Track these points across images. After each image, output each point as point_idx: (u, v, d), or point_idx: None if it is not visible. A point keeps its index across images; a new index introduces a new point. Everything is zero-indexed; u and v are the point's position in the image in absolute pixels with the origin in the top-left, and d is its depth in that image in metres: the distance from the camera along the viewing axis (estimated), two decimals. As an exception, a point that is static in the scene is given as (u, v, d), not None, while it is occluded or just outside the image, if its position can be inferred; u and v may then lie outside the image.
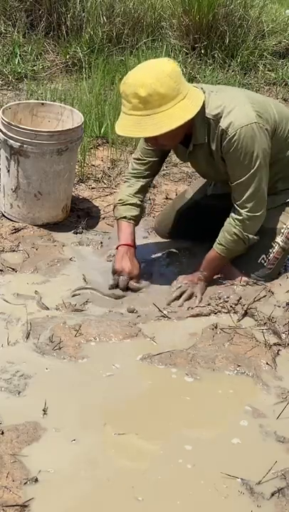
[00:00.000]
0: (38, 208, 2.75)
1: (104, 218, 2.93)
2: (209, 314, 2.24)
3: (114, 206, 2.55)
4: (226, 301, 2.29)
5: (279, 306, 2.31)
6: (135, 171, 2.51)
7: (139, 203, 2.50)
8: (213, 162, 2.32)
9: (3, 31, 4.76)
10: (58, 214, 2.81)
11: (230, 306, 2.27)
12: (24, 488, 1.48)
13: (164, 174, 3.39)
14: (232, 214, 2.31)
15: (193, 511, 1.48)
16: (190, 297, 2.33)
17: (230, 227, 2.31)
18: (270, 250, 2.45)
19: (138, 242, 2.72)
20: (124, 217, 2.47)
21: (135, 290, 2.36)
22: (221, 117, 2.18)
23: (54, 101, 3.77)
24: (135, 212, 2.48)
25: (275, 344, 2.10)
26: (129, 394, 1.84)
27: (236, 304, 2.28)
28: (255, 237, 2.34)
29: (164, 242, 2.75)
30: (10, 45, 4.67)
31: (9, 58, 4.61)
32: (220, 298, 2.31)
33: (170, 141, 2.23)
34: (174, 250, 2.69)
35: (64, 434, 1.65)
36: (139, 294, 2.35)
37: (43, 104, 2.97)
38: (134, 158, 2.53)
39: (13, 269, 2.43)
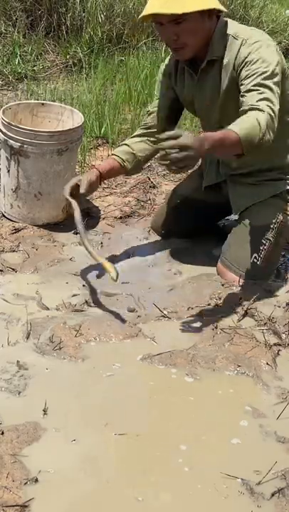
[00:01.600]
0: (38, 208, 2.75)
1: (104, 218, 2.93)
2: (209, 314, 2.24)
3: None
4: (226, 302, 2.29)
5: (279, 306, 2.31)
6: (144, 123, 2.58)
7: (132, 151, 2.53)
8: (222, 94, 2.27)
9: (4, 31, 4.76)
10: (58, 214, 2.81)
11: (231, 306, 2.27)
12: (24, 489, 1.48)
13: (164, 174, 3.39)
14: (249, 111, 2.05)
15: (193, 511, 1.48)
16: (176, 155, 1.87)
17: (251, 114, 2.03)
18: (261, 248, 2.43)
19: (138, 242, 2.74)
20: (114, 154, 2.55)
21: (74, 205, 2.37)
22: (238, 36, 2.21)
23: (54, 101, 3.77)
24: (125, 155, 2.52)
25: (275, 344, 2.10)
26: (130, 394, 1.84)
27: (236, 304, 2.28)
28: (270, 138, 2.03)
29: (164, 242, 2.75)
30: (10, 45, 4.67)
31: (9, 58, 4.61)
32: (220, 298, 2.31)
33: (191, 38, 2.16)
34: (175, 250, 2.69)
35: (64, 434, 1.65)
36: (139, 295, 2.34)
37: (43, 104, 2.97)
38: (146, 111, 2.58)
39: (13, 270, 2.43)
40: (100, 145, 3.64)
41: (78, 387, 1.84)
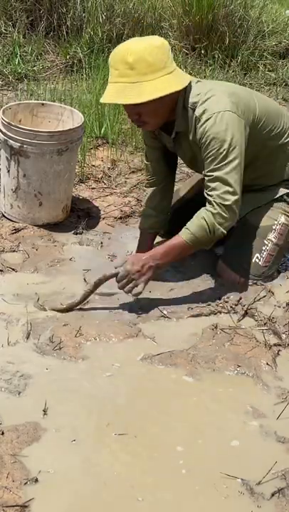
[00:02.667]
0: (38, 208, 2.75)
1: (104, 218, 2.93)
2: (209, 315, 2.24)
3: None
4: (226, 302, 2.29)
5: (279, 307, 2.31)
6: (148, 177, 2.58)
7: (152, 212, 2.55)
8: (195, 151, 2.29)
9: (4, 31, 4.76)
10: (58, 214, 2.81)
11: (231, 307, 2.27)
12: (24, 489, 1.48)
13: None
14: (206, 205, 2.21)
15: (193, 511, 1.48)
16: (129, 286, 2.19)
17: (201, 213, 2.19)
18: (264, 248, 2.45)
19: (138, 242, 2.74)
20: (144, 227, 2.58)
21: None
22: (197, 106, 2.18)
23: (54, 101, 3.77)
24: (150, 221, 2.55)
25: (275, 344, 2.10)
26: (130, 394, 1.84)
27: (236, 304, 2.29)
28: (223, 231, 2.17)
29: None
30: (10, 45, 4.67)
31: (9, 58, 4.61)
32: (220, 298, 2.31)
33: (152, 118, 2.18)
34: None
35: (64, 434, 1.65)
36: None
37: (43, 104, 2.97)
38: (145, 162, 2.59)
39: (14, 270, 2.43)
40: (100, 145, 3.64)
41: (78, 387, 1.84)
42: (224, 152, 2.13)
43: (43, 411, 1.71)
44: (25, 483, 1.49)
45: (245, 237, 2.47)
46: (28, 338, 2.02)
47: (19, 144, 2.62)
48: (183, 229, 2.21)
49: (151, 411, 1.79)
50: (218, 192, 2.16)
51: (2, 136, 2.67)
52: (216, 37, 4.95)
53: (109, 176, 3.31)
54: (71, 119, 2.87)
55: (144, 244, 2.53)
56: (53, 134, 2.65)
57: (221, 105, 2.15)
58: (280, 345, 2.11)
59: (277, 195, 2.50)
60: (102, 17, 4.80)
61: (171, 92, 2.09)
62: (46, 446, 1.61)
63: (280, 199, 2.50)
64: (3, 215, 2.82)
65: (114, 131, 3.68)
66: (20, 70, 4.50)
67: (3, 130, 2.66)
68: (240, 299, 2.31)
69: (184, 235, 2.18)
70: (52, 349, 1.98)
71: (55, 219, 2.80)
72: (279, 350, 2.08)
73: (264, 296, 2.35)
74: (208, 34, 4.93)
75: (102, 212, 2.98)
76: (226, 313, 2.25)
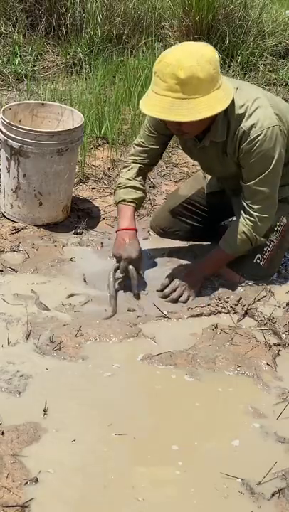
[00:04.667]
0: (38, 208, 2.75)
1: (104, 218, 2.93)
2: (209, 315, 2.24)
3: (114, 190, 2.53)
4: (226, 302, 2.29)
5: (279, 307, 2.31)
6: (136, 157, 2.47)
7: (139, 185, 2.45)
8: (224, 160, 2.29)
9: (4, 32, 4.76)
10: (58, 214, 2.81)
11: (231, 307, 2.27)
12: (24, 489, 1.48)
13: (164, 174, 3.39)
14: (242, 214, 2.29)
15: (193, 511, 1.48)
16: (180, 296, 2.33)
17: (241, 226, 2.29)
18: (265, 249, 2.44)
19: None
20: (124, 200, 2.44)
21: (133, 275, 2.32)
22: (243, 118, 2.15)
23: (54, 101, 3.77)
24: (135, 194, 2.44)
25: (275, 344, 2.10)
26: (130, 394, 1.84)
27: (236, 305, 2.28)
28: (262, 239, 2.34)
29: (164, 242, 2.75)
30: (10, 45, 4.67)
31: (9, 59, 4.61)
32: (220, 298, 2.31)
33: (193, 130, 2.17)
34: (175, 251, 2.69)
35: (64, 434, 1.65)
36: (139, 295, 2.35)
37: (43, 104, 2.97)
38: (135, 144, 2.48)
39: (14, 270, 2.43)
40: (100, 145, 3.64)
41: (78, 387, 1.84)
42: (269, 170, 2.18)
43: (43, 411, 1.71)
44: (26, 483, 1.49)
45: None
46: (28, 338, 2.02)
47: (19, 144, 2.61)
48: (224, 243, 2.34)
49: (151, 411, 1.79)
50: (262, 206, 2.25)
51: (2, 136, 2.67)
52: (216, 37, 4.95)
53: (109, 176, 3.31)
54: (71, 119, 2.87)
55: (130, 219, 2.41)
56: (53, 134, 2.65)
57: (268, 120, 2.15)
58: (280, 345, 2.11)
59: (281, 197, 2.47)
60: (101, 17, 4.80)
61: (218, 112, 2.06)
62: (46, 446, 1.61)
63: (283, 200, 2.49)
64: (3, 215, 2.82)
65: (114, 131, 3.68)
66: (20, 70, 4.51)
67: (3, 130, 2.66)
68: (240, 299, 2.31)
69: (228, 250, 2.34)
70: (52, 349, 1.98)
71: (55, 219, 2.80)
72: (279, 350, 2.08)
73: (264, 296, 2.35)
74: (208, 34, 4.93)
75: (102, 212, 2.98)
76: (226, 313, 2.25)
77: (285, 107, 2.32)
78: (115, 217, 2.93)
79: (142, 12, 5.02)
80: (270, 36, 5.26)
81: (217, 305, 2.28)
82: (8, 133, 2.64)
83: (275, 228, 2.46)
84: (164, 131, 2.38)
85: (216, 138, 2.22)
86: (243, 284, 2.41)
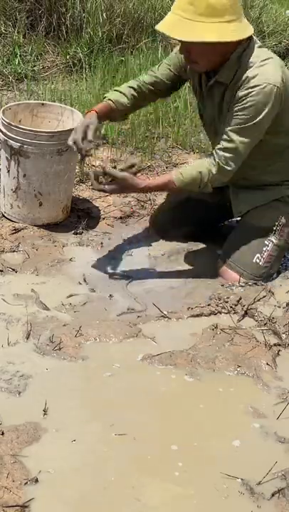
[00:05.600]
0: (38, 208, 2.75)
1: (104, 219, 2.93)
2: (209, 315, 2.24)
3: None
4: (226, 302, 2.29)
5: (279, 307, 2.31)
6: (142, 77, 2.53)
7: (129, 94, 2.48)
8: (222, 110, 2.31)
9: (4, 32, 4.75)
10: (58, 214, 2.81)
11: (231, 307, 2.27)
12: (24, 489, 1.48)
13: (164, 174, 3.38)
14: (209, 157, 2.30)
15: (193, 511, 1.48)
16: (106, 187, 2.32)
17: (200, 166, 2.29)
18: (264, 249, 2.45)
19: (138, 242, 2.74)
20: (105, 98, 2.50)
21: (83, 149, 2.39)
22: (252, 67, 2.17)
23: (54, 101, 3.77)
24: (120, 97, 2.48)
25: (275, 344, 2.10)
26: (130, 394, 1.84)
27: (236, 305, 2.28)
28: (210, 189, 2.31)
29: (164, 242, 2.75)
30: (10, 45, 4.67)
31: (9, 59, 4.61)
32: (220, 298, 2.31)
33: (203, 61, 2.20)
34: (175, 251, 2.69)
35: (64, 434, 1.65)
36: (139, 295, 2.34)
37: (43, 104, 2.97)
38: (150, 70, 2.53)
39: (13, 270, 2.43)
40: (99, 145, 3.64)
41: (78, 387, 1.85)
42: (252, 123, 2.17)
43: (43, 411, 1.71)
44: (26, 483, 1.49)
45: (245, 238, 2.47)
46: (28, 338, 2.03)
47: (19, 144, 2.61)
48: (177, 173, 2.31)
49: (151, 411, 1.79)
50: (228, 156, 2.24)
51: (2, 136, 2.67)
52: (216, 37, 4.94)
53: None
54: (71, 119, 2.87)
55: (99, 106, 2.48)
56: (53, 134, 2.65)
57: (273, 78, 2.16)
58: (280, 345, 2.11)
59: (278, 196, 2.49)
60: (101, 17, 4.80)
61: (219, 41, 2.08)
62: (46, 446, 1.61)
63: (281, 200, 2.50)
64: (3, 215, 2.82)
65: (114, 131, 3.68)
66: (20, 70, 4.50)
67: (4, 130, 2.65)
68: (240, 299, 2.31)
69: (176, 180, 2.29)
70: (52, 349, 1.98)
71: (55, 219, 2.80)
72: (279, 350, 2.08)
73: (264, 296, 2.35)
74: (208, 34, 4.92)
75: (102, 212, 2.98)
76: (226, 313, 2.25)
77: None
78: (115, 217, 2.93)
79: (142, 12, 5.01)
80: (270, 36, 5.25)
81: (217, 305, 2.28)
82: (8, 133, 2.63)
83: (274, 228, 2.46)
84: (178, 70, 2.45)
85: (221, 77, 2.24)
86: (242, 284, 2.41)
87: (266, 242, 2.44)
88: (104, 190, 2.33)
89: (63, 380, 1.87)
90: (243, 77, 2.18)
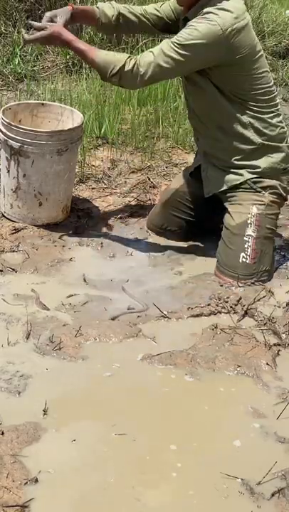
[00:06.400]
0: (38, 208, 2.74)
1: (104, 219, 2.93)
2: (209, 315, 2.24)
3: None
4: (226, 302, 2.29)
5: (279, 307, 2.31)
6: (144, 7, 2.61)
7: (119, 9, 2.56)
8: None
9: (3, 31, 4.76)
10: (58, 214, 2.80)
11: (231, 307, 2.27)
12: (24, 489, 1.48)
13: (164, 174, 3.39)
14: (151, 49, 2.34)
15: (193, 511, 1.48)
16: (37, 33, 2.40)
17: (124, 55, 2.35)
18: (246, 246, 2.43)
19: (138, 242, 2.74)
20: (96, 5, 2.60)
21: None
22: (215, 5, 2.28)
23: (54, 101, 3.77)
24: (107, 9, 2.56)
25: (275, 344, 2.10)
26: (130, 394, 1.84)
27: (236, 305, 2.28)
28: (116, 83, 2.38)
29: (164, 242, 2.75)
30: (10, 45, 4.67)
31: (9, 58, 4.61)
32: (220, 298, 2.31)
33: None
34: (174, 250, 2.69)
35: (64, 434, 1.65)
36: (139, 295, 2.34)
37: (43, 104, 2.97)
38: (153, 4, 2.63)
39: (13, 270, 2.43)
40: (99, 145, 3.64)
41: (78, 387, 1.84)
42: (183, 43, 2.24)
43: (43, 411, 1.71)
44: (26, 483, 1.49)
45: (228, 239, 2.47)
46: (28, 338, 2.02)
47: (19, 144, 2.61)
48: (104, 50, 2.43)
49: (151, 411, 1.79)
50: (146, 57, 2.29)
51: (2, 136, 2.67)
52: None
53: (109, 176, 3.31)
54: (71, 119, 2.87)
55: (80, 7, 2.61)
56: (53, 134, 2.65)
57: (221, 20, 2.24)
58: (280, 345, 2.11)
59: (241, 180, 2.47)
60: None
61: None
62: (46, 446, 1.61)
63: (247, 188, 2.47)
64: (3, 215, 2.82)
65: (114, 131, 3.68)
66: (20, 70, 4.50)
67: (3, 130, 2.65)
68: (240, 299, 2.31)
69: (97, 52, 2.37)
70: (52, 349, 1.98)
71: (55, 219, 2.80)
72: (279, 350, 2.08)
73: (264, 296, 2.35)
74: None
75: (102, 212, 2.98)
76: (226, 313, 2.25)
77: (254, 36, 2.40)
78: (115, 217, 2.93)
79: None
80: (270, 36, 5.26)
81: (217, 305, 2.28)
82: (8, 133, 2.63)
83: (248, 221, 2.43)
84: (167, 11, 2.58)
85: (189, 14, 2.36)
86: (242, 284, 2.41)
87: (245, 238, 2.42)
88: (34, 40, 2.42)
89: (63, 380, 1.87)
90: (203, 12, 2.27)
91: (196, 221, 2.74)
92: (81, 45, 2.41)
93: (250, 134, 2.44)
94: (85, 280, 2.40)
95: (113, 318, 2.17)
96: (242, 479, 1.56)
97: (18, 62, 4.56)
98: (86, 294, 2.32)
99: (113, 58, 2.32)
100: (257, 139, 2.44)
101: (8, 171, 2.71)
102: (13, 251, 2.55)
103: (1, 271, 2.40)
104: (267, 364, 1.99)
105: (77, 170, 3.08)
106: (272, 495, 1.53)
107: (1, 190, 2.81)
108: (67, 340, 2.02)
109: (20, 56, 4.60)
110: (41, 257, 2.53)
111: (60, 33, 2.37)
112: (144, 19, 2.58)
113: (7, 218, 2.80)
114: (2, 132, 2.66)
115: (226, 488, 1.53)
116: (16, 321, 2.11)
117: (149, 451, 1.63)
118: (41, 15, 4.56)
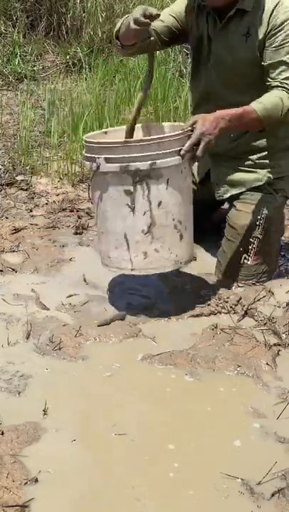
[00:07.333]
0: (179, 243, 2.14)
1: (104, 218, 2.93)
2: (209, 315, 2.24)
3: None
4: (226, 302, 2.29)
5: (279, 307, 2.31)
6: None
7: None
8: (242, 47, 2.23)
9: (4, 31, 4.77)
10: (193, 246, 2.24)
11: (231, 307, 2.27)
12: (24, 489, 1.48)
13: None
14: (271, 91, 2.18)
15: (193, 511, 1.48)
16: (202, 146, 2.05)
17: (273, 93, 2.17)
18: (250, 247, 2.40)
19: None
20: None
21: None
22: None
23: (54, 101, 3.77)
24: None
25: (275, 344, 2.10)
26: (130, 394, 1.84)
27: (236, 305, 2.28)
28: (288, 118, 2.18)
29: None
30: (10, 45, 4.68)
31: (9, 58, 4.62)
32: (220, 298, 2.31)
33: None
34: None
35: (64, 434, 1.65)
36: (139, 295, 2.34)
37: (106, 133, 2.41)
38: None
39: (13, 270, 2.43)
40: (99, 145, 3.64)
41: (78, 387, 1.85)
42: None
43: (43, 411, 1.71)
44: (26, 483, 1.49)
45: (230, 239, 2.44)
46: (28, 338, 2.03)
47: (149, 162, 1.99)
48: (256, 102, 2.15)
49: (151, 411, 1.79)
50: (286, 75, 2.17)
51: (118, 165, 2.01)
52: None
53: (109, 176, 3.30)
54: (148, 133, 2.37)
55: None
56: (179, 135, 2.06)
57: None
58: (280, 345, 2.10)
59: (263, 181, 2.40)
60: (101, 17, 4.80)
61: None
62: (46, 446, 1.61)
63: (261, 189, 2.41)
64: (132, 271, 2.16)
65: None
66: (20, 70, 4.51)
67: (120, 155, 2.00)
68: (240, 299, 2.31)
69: (257, 108, 2.13)
70: (52, 349, 1.98)
71: (192, 254, 2.27)
72: (279, 351, 2.08)
73: (264, 296, 2.35)
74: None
75: (102, 212, 2.98)
76: (226, 313, 2.25)
77: None
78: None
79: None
80: (270, 36, 5.25)
81: (217, 305, 2.28)
82: (128, 154, 1.99)
83: (257, 223, 2.39)
84: (182, 19, 2.37)
85: (243, 5, 2.20)
86: (241, 285, 2.41)
87: (251, 240, 2.39)
88: (197, 156, 2.06)
89: (63, 380, 1.87)
90: (271, 7, 2.16)
91: (196, 221, 2.73)
92: (238, 113, 2.12)
93: (281, 132, 2.35)
94: (85, 280, 2.40)
95: (100, 325, 2.12)
96: (242, 479, 1.55)
97: (18, 62, 4.57)
98: (86, 294, 2.32)
99: (275, 101, 2.15)
100: (286, 137, 2.37)
101: (133, 209, 2.05)
102: (13, 251, 2.55)
103: (1, 271, 2.41)
104: (267, 364, 1.99)
105: (77, 170, 3.08)
106: (272, 495, 1.52)
107: (120, 241, 2.11)
108: (67, 340, 2.02)
109: (20, 56, 4.61)
110: (41, 257, 2.53)
111: (208, 118, 2.06)
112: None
113: (135, 275, 2.21)
114: (116, 159, 2.01)
115: (226, 488, 1.53)
116: (16, 321, 2.11)
117: (149, 451, 1.63)
118: (41, 15, 4.60)
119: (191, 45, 2.47)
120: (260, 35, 2.21)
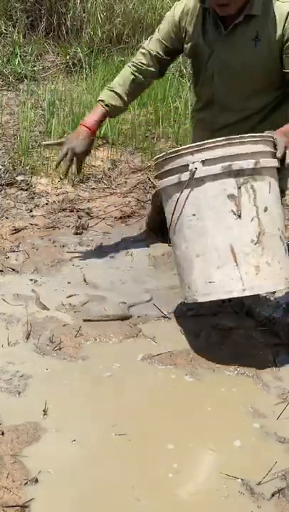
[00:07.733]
0: (285, 257, 1.87)
1: (104, 219, 2.93)
2: (209, 315, 2.24)
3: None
4: (226, 302, 2.29)
5: (279, 307, 2.31)
6: (138, 62, 2.43)
7: (123, 95, 2.43)
8: (251, 51, 2.20)
9: (4, 31, 4.77)
10: None
11: (230, 307, 2.27)
12: (24, 489, 1.48)
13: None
14: None
15: (193, 511, 1.48)
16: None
17: None
18: None
19: (137, 243, 2.74)
20: (102, 101, 2.45)
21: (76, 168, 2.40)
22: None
23: (54, 101, 3.77)
24: (114, 101, 2.43)
25: (275, 344, 2.10)
26: (130, 394, 1.84)
27: (236, 305, 2.28)
28: None
29: (164, 243, 2.75)
30: (10, 45, 4.68)
31: (9, 59, 4.62)
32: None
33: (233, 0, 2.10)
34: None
35: (64, 434, 1.65)
36: (139, 295, 2.34)
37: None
38: (142, 48, 2.45)
39: (13, 270, 2.43)
40: (100, 145, 3.65)
41: (78, 387, 1.84)
42: None
43: (43, 411, 1.71)
44: (26, 483, 1.49)
45: None
46: (28, 338, 2.03)
47: (254, 161, 1.79)
48: None
49: (151, 411, 1.79)
50: None
51: (219, 165, 1.79)
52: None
53: (110, 176, 3.31)
54: None
55: (95, 120, 2.44)
56: (268, 137, 1.90)
57: None
58: (280, 345, 2.10)
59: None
60: (101, 17, 4.80)
61: None
62: (46, 446, 1.61)
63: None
64: (243, 291, 1.85)
65: (114, 131, 3.68)
66: (20, 70, 4.51)
67: (218, 155, 1.79)
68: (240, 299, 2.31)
69: None
70: (52, 349, 1.98)
71: None
72: (279, 350, 2.08)
73: (264, 296, 2.35)
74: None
75: (102, 212, 2.98)
76: (226, 313, 2.25)
77: None
78: (115, 217, 2.93)
79: (142, 12, 5.03)
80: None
81: (217, 305, 2.27)
82: (228, 154, 1.78)
83: None
84: (172, 43, 2.38)
85: (251, 11, 2.16)
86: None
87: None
88: None
89: (63, 380, 1.87)
90: (286, 12, 2.12)
91: None
92: None
93: None
94: (85, 280, 2.40)
95: (85, 320, 2.12)
96: (242, 479, 1.55)
97: (18, 62, 4.57)
98: (86, 294, 2.32)
99: None
100: None
101: (239, 215, 1.78)
102: (13, 251, 2.55)
103: (1, 271, 2.41)
104: (267, 364, 1.99)
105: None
106: (273, 495, 1.52)
107: (225, 260, 1.83)
108: (67, 341, 2.02)
109: (20, 56, 4.61)
110: (41, 257, 2.53)
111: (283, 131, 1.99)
112: (149, 72, 2.44)
113: (248, 295, 1.92)
114: (214, 160, 1.79)
115: (226, 488, 1.53)
116: (16, 321, 2.11)
117: (149, 452, 1.63)
118: (41, 15, 4.60)
119: (188, 54, 2.42)
120: (274, 40, 2.17)
